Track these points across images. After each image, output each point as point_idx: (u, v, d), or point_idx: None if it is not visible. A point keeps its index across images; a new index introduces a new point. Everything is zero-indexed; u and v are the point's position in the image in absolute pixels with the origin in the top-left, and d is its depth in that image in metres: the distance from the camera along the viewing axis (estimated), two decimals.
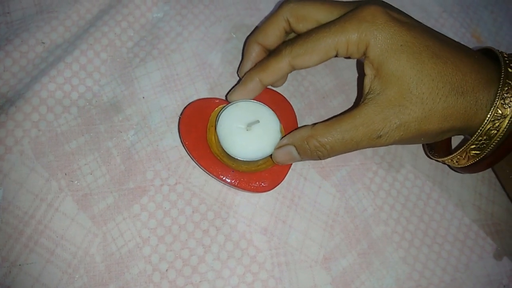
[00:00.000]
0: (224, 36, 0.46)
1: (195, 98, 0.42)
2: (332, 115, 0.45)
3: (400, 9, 0.38)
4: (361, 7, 0.35)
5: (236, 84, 0.42)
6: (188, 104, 0.40)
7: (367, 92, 0.35)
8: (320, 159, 0.36)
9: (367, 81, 0.35)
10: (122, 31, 0.43)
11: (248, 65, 0.40)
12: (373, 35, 0.34)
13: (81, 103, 0.40)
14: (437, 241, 0.43)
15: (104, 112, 0.40)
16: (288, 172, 0.39)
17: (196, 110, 0.39)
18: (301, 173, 0.42)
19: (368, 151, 0.44)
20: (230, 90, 0.40)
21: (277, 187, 0.39)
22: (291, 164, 0.39)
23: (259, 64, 0.39)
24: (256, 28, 0.47)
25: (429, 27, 0.37)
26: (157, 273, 0.36)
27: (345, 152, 0.36)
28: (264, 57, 0.40)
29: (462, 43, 0.52)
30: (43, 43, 0.41)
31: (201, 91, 0.43)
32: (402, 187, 0.44)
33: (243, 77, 0.40)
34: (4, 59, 0.40)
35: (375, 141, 0.34)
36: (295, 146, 0.36)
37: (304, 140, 0.35)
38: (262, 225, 0.39)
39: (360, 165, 0.43)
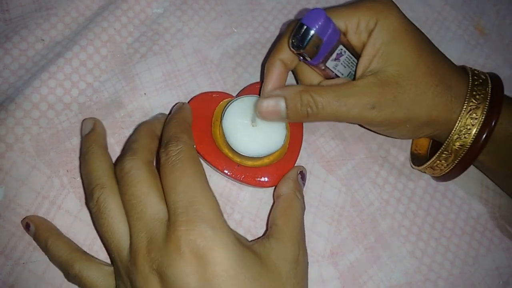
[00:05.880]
0: (225, 31, 0.45)
1: (197, 94, 0.41)
2: None
3: (402, 2, 0.38)
4: None
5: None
6: (192, 98, 0.39)
7: (367, 69, 0.36)
8: (306, 120, 0.36)
9: (365, 60, 0.36)
10: (122, 26, 0.42)
11: (272, 82, 0.37)
12: (383, 15, 0.35)
13: (82, 100, 0.39)
14: (444, 234, 0.42)
15: (105, 108, 0.39)
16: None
17: (200, 104, 0.38)
18: (306, 167, 0.41)
19: (373, 144, 0.44)
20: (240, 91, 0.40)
21: None
22: (297, 159, 0.39)
23: (275, 46, 0.37)
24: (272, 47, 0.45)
25: None
26: None
27: (333, 119, 0.35)
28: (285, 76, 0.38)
29: (465, 36, 0.52)
30: (43, 40, 0.41)
31: (203, 87, 0.42)
32: (408, 180, 0.43)
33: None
34: (3, 56, 0.39)
35: (367, 111, 0.34)
36: (285, 99, 0.35)
37: (297, 93, 0.34)
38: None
39: (366, 159, 0.43)
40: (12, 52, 0.39)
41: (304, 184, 0.38)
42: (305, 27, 0.32)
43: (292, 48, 0.34)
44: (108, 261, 0.35)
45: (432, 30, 0.51)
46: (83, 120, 0.38)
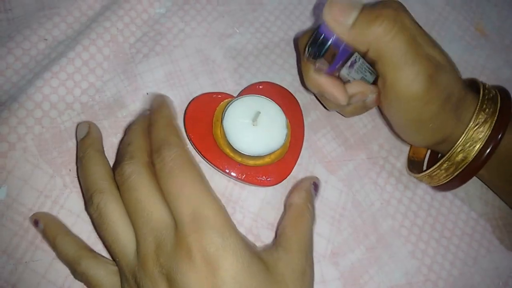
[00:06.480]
0: (227, 31, 0.46)
1: (199, 93, 0.41)
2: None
3: (403, 2, 0.38)
4: None
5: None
6: (193, 99, 0.39)
7: None
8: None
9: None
10: (125, 26, 0.43)
11: (338, 91, 0.37)
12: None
13: (84, 99, 0.39)
14: (445, 235, 0.42)
15: (108, 107, 0.40)
16: (295, 167, 0.39)
17: (201, 105, 0.39)
18: (307, 168, 0.41)
19: (375, 145, 0.44)
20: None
21: (284, 182, 0.39)
22: (298, 158, 0.39)
23: (303, 64, 0.38)
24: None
25: None
26: None
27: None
28: None
29: (466, 36, 0.52)
30: (46, 39, 0.41)
31: (205, 87, 0.42)
32: (408, 181, 0.43)
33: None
34: (6, 56, 0.39)
35: (421, 81, 0.34)
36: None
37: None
38: (269, 221, 0.39)
39: (367, 159, 0.43)
40: (15, 52, 0.39)
41: (316, 195, 0.38)
42: (322, 36, 0.33)
43: (308, 57, 0.34)
44: None
45: (432, 30, 0.52)
46: (77, 125, 0.38)
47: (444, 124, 0.36)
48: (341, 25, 0.33)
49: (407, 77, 0.34)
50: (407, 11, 0.35)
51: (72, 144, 0.38)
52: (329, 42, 0.33)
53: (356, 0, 0.33)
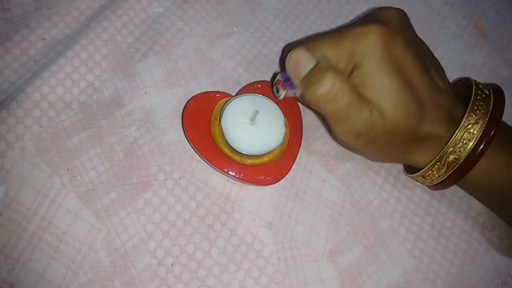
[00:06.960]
0: (226, 30, 0.46)
1: (197, 93, 0.41)
2: None
3: (402, 2, 0.37)
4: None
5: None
6: (192, 97, 0.39)
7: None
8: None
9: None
10: (123, 25, 0.43)
11: None
12: (367, 47, 0.34)
13: (83, 99, 0.40)
14: (443, 233, 0.42)
15: (106, 107, 0.40)
16: (293, 166, 0.39)
17: (199, 103, 0.39)
18: (306, 167, 0.41)
19: None
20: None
21: (282, 181, 0.39)
22: (296, 157, 0.39)
23: None
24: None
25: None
26: (162, 268, 0.35)
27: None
28: None
29: (465, 35, 0.52)
30: (44, 39, 0.41)
31: (203, 86, 0.42)
32: (407, 180, 0.43)
33: None
34: (4, 55, 0.39)
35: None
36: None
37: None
38: (267, 220, 0.39)
39: (365, 158, 0.43)
40: (13, 51, 0.39)
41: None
42: (275, 87, 0.38)
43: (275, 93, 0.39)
44: (110, 258, 0.35)
45: (431, 29, 0.52)
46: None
47: (393, 157, 0.39)
48: (294, 76, 0.35)
49: (339, 131, 0.36)
50: (374, 48, 0.34)
51: (70, 143, 0.38)
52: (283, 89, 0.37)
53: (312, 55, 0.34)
